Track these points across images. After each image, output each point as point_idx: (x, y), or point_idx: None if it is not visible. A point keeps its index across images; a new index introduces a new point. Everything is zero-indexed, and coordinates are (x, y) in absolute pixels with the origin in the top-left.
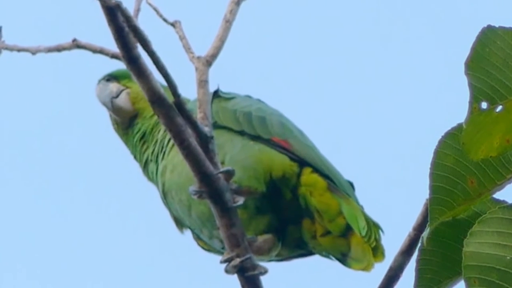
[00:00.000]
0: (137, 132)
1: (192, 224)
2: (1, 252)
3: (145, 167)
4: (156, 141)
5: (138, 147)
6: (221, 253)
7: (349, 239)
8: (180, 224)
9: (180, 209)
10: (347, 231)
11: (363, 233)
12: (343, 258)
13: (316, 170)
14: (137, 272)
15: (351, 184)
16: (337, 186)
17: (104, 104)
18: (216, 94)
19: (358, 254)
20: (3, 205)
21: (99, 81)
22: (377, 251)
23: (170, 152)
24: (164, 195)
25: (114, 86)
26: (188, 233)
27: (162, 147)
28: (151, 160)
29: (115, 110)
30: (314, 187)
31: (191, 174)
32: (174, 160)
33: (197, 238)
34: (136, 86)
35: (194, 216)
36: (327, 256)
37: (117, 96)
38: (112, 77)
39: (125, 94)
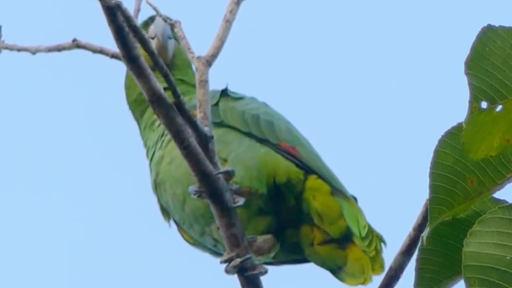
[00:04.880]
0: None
1: (182, 218)
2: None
3: (144, 129)
4: (157, 126)
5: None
6: (208, 249)
7: (347, 252)
8: (167, 214)
9: (173, 202)
10: (347, 237)
11: (363, 234)
12: (338, 271)
13: (321, 179)
14: (135, 273)
15: (355, 199)
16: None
17: (163, 33)
18: (224, 92)
19: (354, 269)
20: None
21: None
22: (375, 263)
23: (169, 142)
24: (156, 185)
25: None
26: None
27: (163, 134)
28: (151, 129)
29: (163, 44)
30: (318, 191)
31: (189, 169)
32: (173, 152)
33: (183, 231)
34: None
35: (188, 211)
36: (321, 266)
37: (171, 39)
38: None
39: (174, 43)
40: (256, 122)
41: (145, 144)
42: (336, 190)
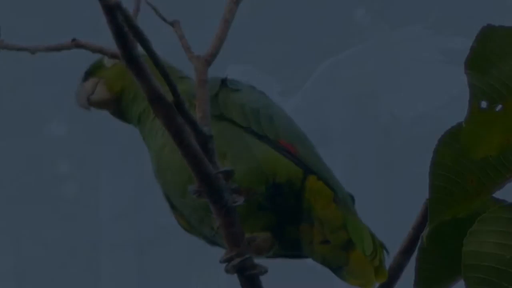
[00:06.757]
0: (134, 115)
1: (183, 206)
2: None
3: (144, 140)
4: (154, 118)
5: (139, 126)
6: (204, 237)
7: (349, 254)
8: (170, 201)
9: (173, 191)
10: (348, 245)
11: (368, 253)
12: (339, 270)
13: (320, 180)
14: (136, 272)
15: (352, 198)
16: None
17: (83, 107)
18: (224, 83)
19: (356, 270)
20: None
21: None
22: (378, 272)
23: None
24: (157, 171)
25: (88, 84)
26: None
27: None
28: (149, 137)
29: (96, 106)
30: (319, 194)
31: (189, 168)
32: None
33: (179, 216)
34: (108, 71)
35: (189, 200)
36: (321, 264)
37: (93, 92)
38: (88, 75)
39: (100, 85)
40: (256, 116)
41: (142, 131)
42: (339, 198)
